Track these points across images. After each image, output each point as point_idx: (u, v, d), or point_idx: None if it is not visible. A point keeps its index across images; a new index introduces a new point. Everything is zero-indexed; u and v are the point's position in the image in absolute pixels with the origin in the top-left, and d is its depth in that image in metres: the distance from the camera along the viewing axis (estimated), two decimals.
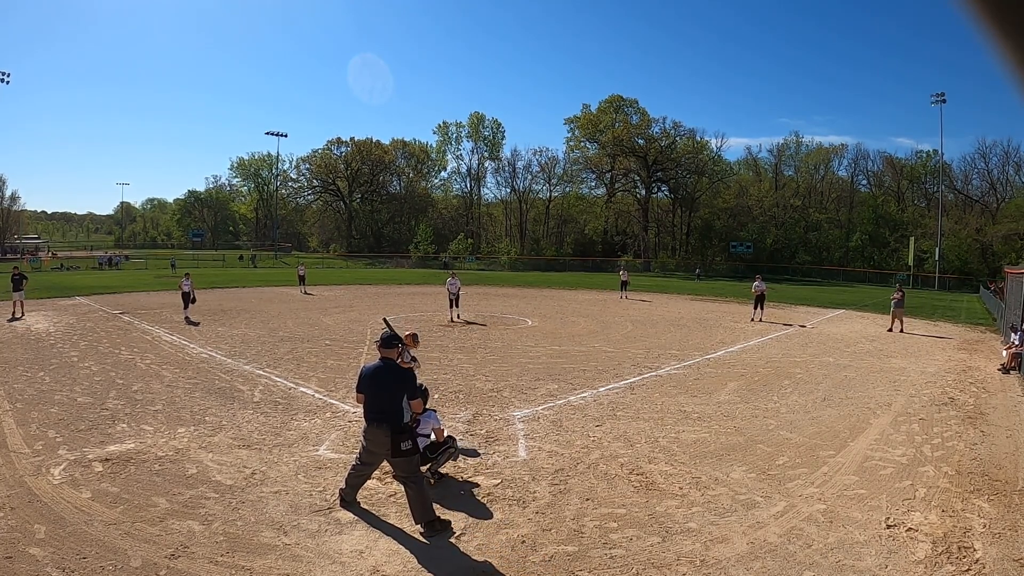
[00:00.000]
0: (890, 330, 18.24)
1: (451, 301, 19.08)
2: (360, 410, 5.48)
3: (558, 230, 73.39)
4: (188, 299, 18.36)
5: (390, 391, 4.93)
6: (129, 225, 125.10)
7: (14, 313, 17.73)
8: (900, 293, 18.55)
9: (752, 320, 19.96)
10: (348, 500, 5.23)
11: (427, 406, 6.07)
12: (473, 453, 6.69)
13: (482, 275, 48.88)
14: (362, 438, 5.16)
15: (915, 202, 67.75)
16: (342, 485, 5.33)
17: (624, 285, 28.99)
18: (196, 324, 16.62)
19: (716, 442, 7.22)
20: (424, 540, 4.68)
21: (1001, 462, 6.71)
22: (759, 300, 20.28)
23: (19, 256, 60.97)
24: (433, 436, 5.84)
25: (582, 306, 24.63)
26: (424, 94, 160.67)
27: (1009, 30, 0.57)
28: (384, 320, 7.99)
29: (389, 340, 5.13)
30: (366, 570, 4.23)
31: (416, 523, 4.82)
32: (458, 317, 18.75)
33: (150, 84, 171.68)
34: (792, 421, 8.21)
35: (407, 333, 7.54)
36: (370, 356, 12.06)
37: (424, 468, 5.68)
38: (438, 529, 4.76)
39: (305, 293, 27.63)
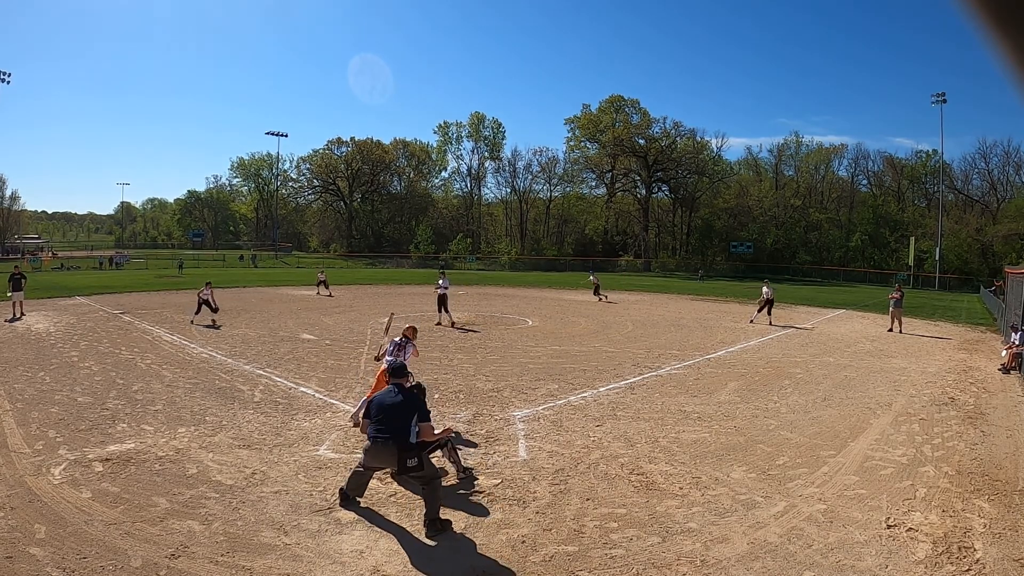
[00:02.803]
0: (890, 330, 18.22)
1: (437, 304, 17.48)
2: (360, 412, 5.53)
3: (558, 230, 73.35)
4: (204, 306, 17.16)
5: (402, 417, 5.05)
6: (129, 225, 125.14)
7: (14, 313, 17.72)
8: (899, 293, 18.49)
9: (752, 321, 19.89)
10: (349, 499, 5.25)
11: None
12: (471, 444, 6.87)
13: (482, 275, 48.88)
14: (363, 455, 5.22)
15: (915, 202, 67.69)
16: (343, 484, 5.34)
17: (596, 288, 28.09)
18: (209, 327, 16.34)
19: (716, 442, 7.22)
20: (424, 540, 4.68)
21: (1001, 462, 6.71)
22: (766, 305, 19.56)
23: (20, 256, 60.90)
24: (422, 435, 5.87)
25: (582, 306, 24.62)
26: (425, 94, 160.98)
27: (1009, 30, 0.57)
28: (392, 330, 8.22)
29: (398, 370, 5.49)
30: (366, 570, 4.23)
31: (426, 515, 4.84)
32: (451, 324, 17.05)
33: (150, 84, 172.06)
34: (792, 421, 8.21)
35: (407, 326, 7.74)
36: (370, 356, 12.06)
37: (456, 472, 5.87)
38: (439, 528, 4.78)
39: (326, 295, 27.32)
